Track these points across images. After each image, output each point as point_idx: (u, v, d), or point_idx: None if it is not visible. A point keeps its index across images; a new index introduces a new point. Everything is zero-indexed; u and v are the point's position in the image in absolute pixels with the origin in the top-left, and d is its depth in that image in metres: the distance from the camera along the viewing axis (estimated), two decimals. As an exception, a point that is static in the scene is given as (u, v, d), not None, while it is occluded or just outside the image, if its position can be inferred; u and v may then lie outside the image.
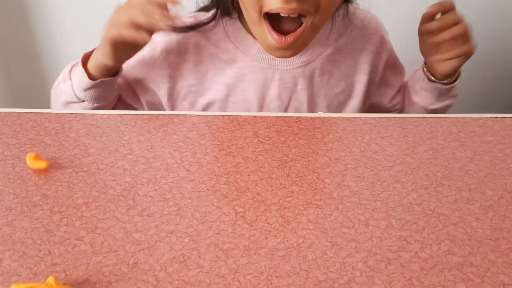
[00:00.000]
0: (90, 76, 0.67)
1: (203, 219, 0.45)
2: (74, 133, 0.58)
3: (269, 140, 0.57)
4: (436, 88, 0.75)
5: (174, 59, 0.73)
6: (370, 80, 0.78)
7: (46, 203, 0.46)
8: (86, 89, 0.68)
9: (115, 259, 0.40)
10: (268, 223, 0.44)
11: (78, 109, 0.70)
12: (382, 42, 0.78)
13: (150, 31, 0.61)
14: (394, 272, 0.39)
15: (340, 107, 0.78)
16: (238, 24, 0.73)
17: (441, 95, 0.76)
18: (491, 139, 0.58)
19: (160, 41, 0.72)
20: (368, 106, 0.82)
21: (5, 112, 0.62)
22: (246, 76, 0.73)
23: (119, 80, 0.73)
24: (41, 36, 1.32)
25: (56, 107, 0.74)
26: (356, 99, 0.78)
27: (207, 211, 0.46)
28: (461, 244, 0.42)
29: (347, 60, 0.76)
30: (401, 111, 0.85)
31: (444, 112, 0.79)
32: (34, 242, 0.42)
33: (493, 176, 0.51)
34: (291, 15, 0.61)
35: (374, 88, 0.80)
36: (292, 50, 0.67)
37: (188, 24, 0.72)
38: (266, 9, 0.61)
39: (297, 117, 0.61)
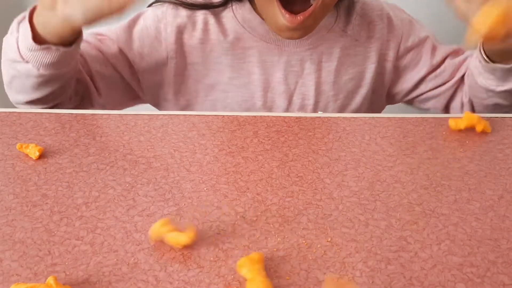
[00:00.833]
0: (39, 37, 0.58)
1: (203, 219, 0.45)
2: (74, 133, 0.58)
3: (269, 140, 0.57)
4: (496, 68, 0.66)
5: (182, 34, 0.72)
6: (380, 68, 0.77)
7: (46, 203, 0.46)
8: (31, 50, 0.59)
9: (115, 259, 0.40)
10: (268, 223, 0.44)
11: (22, 73, 0.61)
12: (390, 29, 0.76)
13: None
14: (394, 272, 0.39)
15: (349, 97, 0.76)
16: (247, 6, 0.73)
17: (505, 75, 0.66)
18: (491, 139, 0.58)
19: (168, 14, 0.72)
20: (389, 97, 0.80)
21: (5, 112, 0.62)
22: (251, 57, 0.73)
23: (115, 53, 0.69)
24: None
25: (3, 64, 0.66)
26: (365, 88, 0.77)
27: (207, 211, 0.46)
28: (461, 244, 0.42)
29: (355, 47, 0.75)
30: (450, 97, 0.77)
31: None
32: (34, 242, 0.42)
33: (493, 176, 0.51)
34: None
35: (389, 77, 0.78)
36: (302, 30, 0.67)
37: (199, 2, 0.73)
38: None
39: (297, 117, 0.61)
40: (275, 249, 0.41)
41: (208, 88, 0.74)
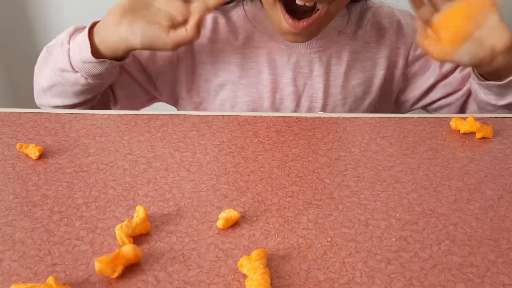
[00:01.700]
0: (95, 51, 0.63)
1: (203, 219, 0.45)
2: (74, 133, 0.58)
3: (269, 140, 0.57)
4: (490, 85, 0.65)
5: None
6: (389, 75, 0.77)
7: (46, 203, 0.46)
8: (86, 62, 0.63)
9: (115, 259, 0.40)
10: (268, 223, 0.44)
11: (69, 81, 0.65)
12: (399, 36, 0.76)
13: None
14: (394, 272, 0.39)
15: (357, 102, 0.76)
16: (258, 4, 0.72)
17: (502, 91, 0.66)
18: (491, 139, 0.58)
19: None
20: (398, 104, 0.80)
21: (5, 112, 0.62)
22: (261, 57, 0.73)
23: (129, 60, 0.70)
24: (41, 36, 1.32)
25: (42, 69, 0.69)
26: (373, 94, 0.76)
27: (207, 211, 0.46)
28: (461, 244, 0.42)
29: (365, 52, 0.75)
30: (462, 105, 0.77)
31: None
32: (34, 242, 0.42)
33: (493, 176, 0.51)
34: (306, 4, 0.61)
35: (397, 84, 0.78)
36: (305, 35, 0.67)
37: None
38: None
39: (297, 117, 0.61)
40: (275, 249, 0.41)
41: (218, 88, 0.75)
